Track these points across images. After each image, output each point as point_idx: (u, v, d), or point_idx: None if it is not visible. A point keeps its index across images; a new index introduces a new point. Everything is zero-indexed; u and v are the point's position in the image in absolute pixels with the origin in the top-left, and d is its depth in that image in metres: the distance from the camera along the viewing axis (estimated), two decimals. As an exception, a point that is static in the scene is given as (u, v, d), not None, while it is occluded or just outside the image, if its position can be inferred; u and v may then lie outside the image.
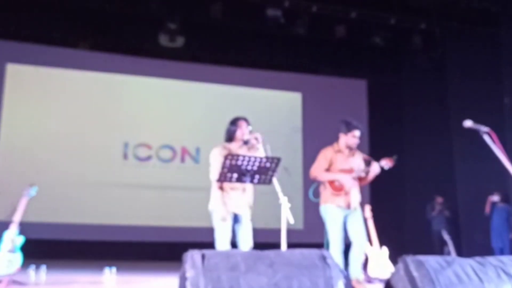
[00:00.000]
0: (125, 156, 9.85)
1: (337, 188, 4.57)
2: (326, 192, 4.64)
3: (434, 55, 10.14)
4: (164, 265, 7.72)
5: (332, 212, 4.57)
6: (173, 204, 9.75)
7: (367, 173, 4.62)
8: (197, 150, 10.19)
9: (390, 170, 4.64)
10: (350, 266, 4.61)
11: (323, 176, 4.64)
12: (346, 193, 4.57)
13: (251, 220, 4.12)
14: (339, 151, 4.70)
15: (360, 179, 4.70)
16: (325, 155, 4.69)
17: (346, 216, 4.60)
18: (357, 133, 4.66)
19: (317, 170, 4.66)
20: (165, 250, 8.98)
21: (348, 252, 4.62)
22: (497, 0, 8.62)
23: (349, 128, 4.67)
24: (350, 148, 4.71)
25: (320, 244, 2.66)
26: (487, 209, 8.60)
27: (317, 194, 4.69)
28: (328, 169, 4.65)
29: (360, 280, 4.59)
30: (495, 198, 8.47)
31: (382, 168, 4.56)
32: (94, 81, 9.91)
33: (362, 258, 4.67)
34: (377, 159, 4.63)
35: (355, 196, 4.64)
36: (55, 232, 8.84)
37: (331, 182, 4.60)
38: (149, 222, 9.54)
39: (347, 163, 4.66)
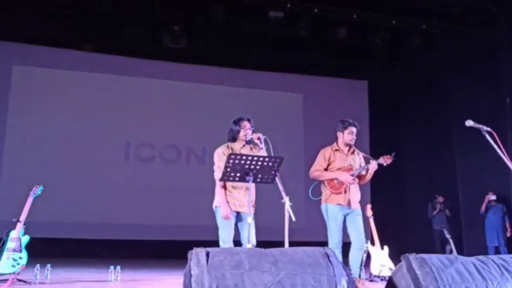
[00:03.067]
0: (127, 156, 9.92)
1: (336, 187, 4.65)
2: (326, 191, 4.72)
3: (434, 56, 10.17)
4: (168, 263, 7.77)
5: (331, 210, 4.64)
6: (177, 203, 9.80)
7: (367, 170, 4.69)
8: (203, 150, 10.23)
9: (391, 170, 4.71)
10: (350, 264, 4.65)
11: (322, 175, 4.74)
12: (346, 191, 4.65)
13: (254, 218, 4.17)
14: (337, 149, 4.80)
15: (360, 177, 4.77)
16: (323, 155, 4.80)
17: (346, 214, 4.66)
18: (353, 129, 4.77)
19: (316, 170, 4.77)
20: (169, 248, 9.02)
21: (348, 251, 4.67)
22: (495, 0, 8.64)
23: (345, 125, 4.80)
24: (349, 146, 4.81)
25: (322, 242, 2.71)
26: (483, 207, 8.65)
27: (315, 193, 4.76)
28: (326, 168, 4.75)
29: (360, 278, 4.64)
30: (492, 196, 8.52)
31: (381, 165, 4.64)
32: (99, 82, 9.98)
33: (362, 257, 4.72)
34: (378, 158, 4.69)
35: (354, 194, 4.70)
36: (60, 231, 8.91)
37: (330, 181, 4.69)
38: (154, 220, 9.59)
39: (346, 161, 4.75)
